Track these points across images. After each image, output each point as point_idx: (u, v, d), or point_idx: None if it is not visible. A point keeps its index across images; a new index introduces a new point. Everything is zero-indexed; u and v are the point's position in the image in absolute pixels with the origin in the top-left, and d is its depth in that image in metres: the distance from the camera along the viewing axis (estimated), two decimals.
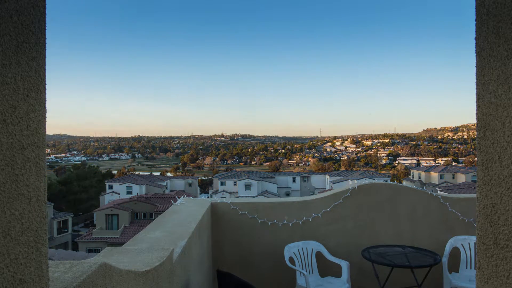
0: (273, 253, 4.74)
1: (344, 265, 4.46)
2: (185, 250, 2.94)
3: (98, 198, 51.39)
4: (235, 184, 55.14)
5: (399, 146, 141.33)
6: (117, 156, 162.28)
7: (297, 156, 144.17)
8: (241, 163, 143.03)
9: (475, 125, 1.26)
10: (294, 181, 60.56)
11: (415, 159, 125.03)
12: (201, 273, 3.80)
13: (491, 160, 1.20)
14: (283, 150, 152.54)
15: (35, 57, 1.02)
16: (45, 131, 1.07)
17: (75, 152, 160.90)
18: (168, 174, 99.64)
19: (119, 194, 48.36)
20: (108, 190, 50.65)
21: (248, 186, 53.13)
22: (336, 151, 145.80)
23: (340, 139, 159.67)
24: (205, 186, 72.43)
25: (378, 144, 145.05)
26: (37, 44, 1.04)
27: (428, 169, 64.96)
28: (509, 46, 1.13)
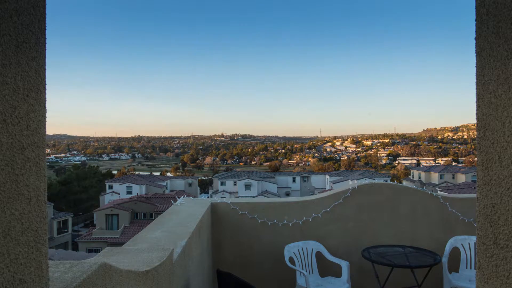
0: (273, 253, 4.74)
1: (344, 265, 4.45)
2: (185, 250, 2.94)
3: (98, 198, 51.34)
4: (235, 184, 55.11)
5: (399, 146, 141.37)
6: (117, 156, 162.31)
7: (297, 156, 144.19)
8: (241, 163, 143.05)
9: (475, 125, 1.26)
10: (294, 181, 60.53)
11: (415, 159, 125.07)
12: (201, 273, 3.79)
13: (491, 160, 1.20)
14: (283, 150, 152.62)
15: (35, 57, 1.02)
16: (45, 131, 1.07)
17: (75, 152, 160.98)
18: (168, 174, 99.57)
19: (119, 194, 48.33)
20: (108, 190, 50.62)
21: (248, 186, 53.09)
22: (336, 151, 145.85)
23: (340, 139, 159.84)
24: (205, 186, 72.30)
25: (378, 144, 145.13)
26: (37, 44, 1.03)
27: (428, 169, 64.99)
28: (509, 46, 1.13)
